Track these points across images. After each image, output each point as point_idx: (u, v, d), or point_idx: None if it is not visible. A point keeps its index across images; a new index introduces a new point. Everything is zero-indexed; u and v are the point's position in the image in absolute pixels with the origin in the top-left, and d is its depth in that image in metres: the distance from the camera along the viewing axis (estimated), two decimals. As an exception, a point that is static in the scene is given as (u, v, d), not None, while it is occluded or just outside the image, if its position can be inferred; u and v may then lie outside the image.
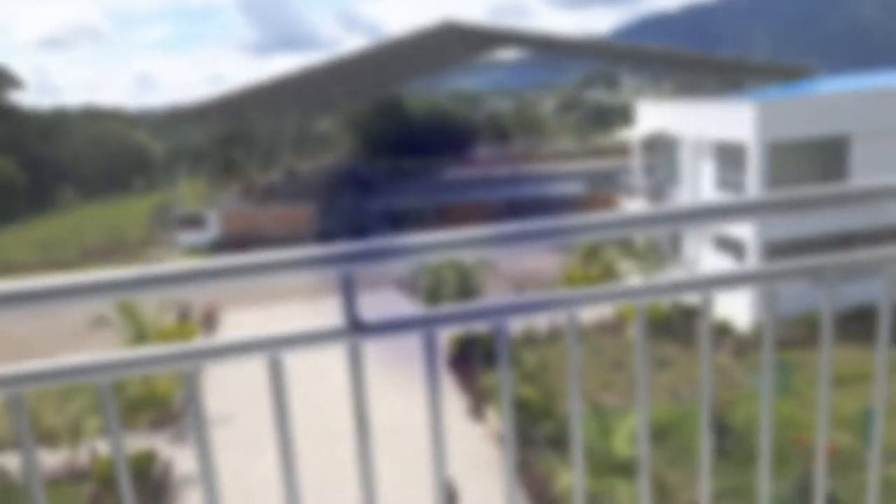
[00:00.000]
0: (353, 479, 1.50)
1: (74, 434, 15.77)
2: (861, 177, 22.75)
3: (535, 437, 16.56)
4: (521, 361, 17.66)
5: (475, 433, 18.30)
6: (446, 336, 22.95)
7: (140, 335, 19.47)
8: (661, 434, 16.07)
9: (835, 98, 24.69)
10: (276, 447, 1.38)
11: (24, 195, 64.30)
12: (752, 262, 23.11)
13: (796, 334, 19.31)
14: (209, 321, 28.02)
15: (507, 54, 52.73)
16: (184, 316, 27.39)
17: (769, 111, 23.37)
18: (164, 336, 21.34)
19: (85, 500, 15.76)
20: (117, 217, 55.50)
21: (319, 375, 13.92)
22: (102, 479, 15.70)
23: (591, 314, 25.00)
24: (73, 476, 16.52)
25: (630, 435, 14.47)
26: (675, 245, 29.15)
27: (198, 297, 27.48)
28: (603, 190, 39.62)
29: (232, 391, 18.71)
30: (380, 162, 73.93)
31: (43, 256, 46.48)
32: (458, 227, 1.26)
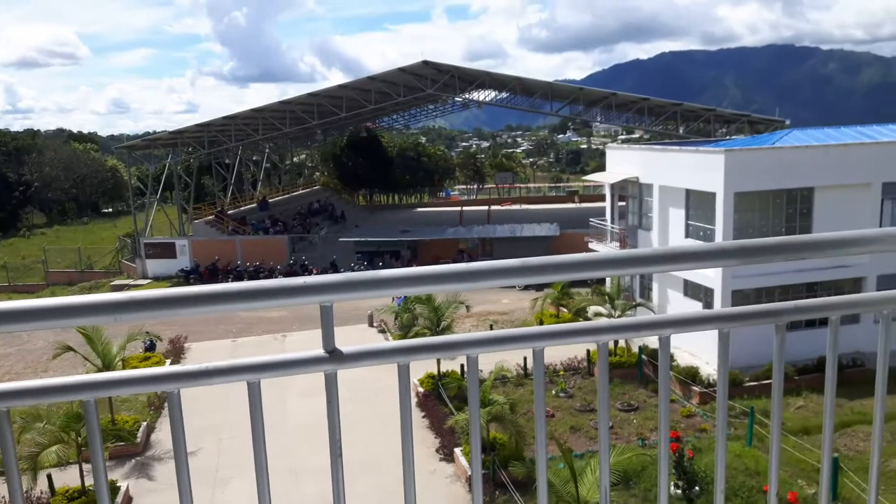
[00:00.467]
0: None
1: (32, 465, 15.31)
2: (823, 226, 23.36)
3: (505, 479, 16.48)
4: (490, 402, 17.63)
5: (446, 472, 18.20)
6: (416, 377, 22.81)
7: (105, 366, 19.10)
8: (629, 477, 16.07)
9: (800, 151, 25.38)
10: (254, 469, 1.39)
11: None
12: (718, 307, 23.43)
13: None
14: (176, 353, 27.57)
15: (484, 95, 53.49)
16: (149, 349, 26.97)
17: (738, 160, 23.97)
18: (129, 367, 20.92)
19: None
20: (86, 242, 54.58)
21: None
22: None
23: (562, 354, 25.11)
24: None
25: (598, 479, 14.43)
26: (644, 291, 29.53)
27: (167, 329, 27.04)
28: (574, 233, 40.04)
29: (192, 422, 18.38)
30: (354, 195, 74.05)
31: (7, 282, 45.50)
32: (431, 263, 1.32)
